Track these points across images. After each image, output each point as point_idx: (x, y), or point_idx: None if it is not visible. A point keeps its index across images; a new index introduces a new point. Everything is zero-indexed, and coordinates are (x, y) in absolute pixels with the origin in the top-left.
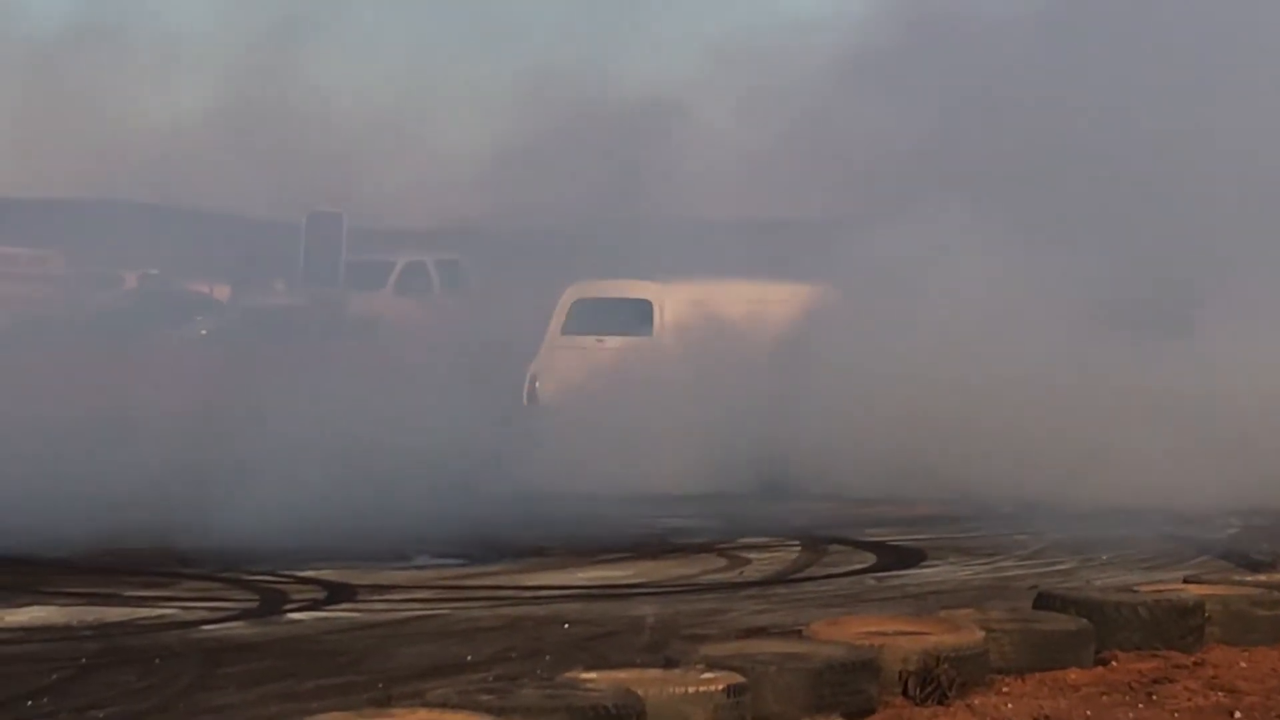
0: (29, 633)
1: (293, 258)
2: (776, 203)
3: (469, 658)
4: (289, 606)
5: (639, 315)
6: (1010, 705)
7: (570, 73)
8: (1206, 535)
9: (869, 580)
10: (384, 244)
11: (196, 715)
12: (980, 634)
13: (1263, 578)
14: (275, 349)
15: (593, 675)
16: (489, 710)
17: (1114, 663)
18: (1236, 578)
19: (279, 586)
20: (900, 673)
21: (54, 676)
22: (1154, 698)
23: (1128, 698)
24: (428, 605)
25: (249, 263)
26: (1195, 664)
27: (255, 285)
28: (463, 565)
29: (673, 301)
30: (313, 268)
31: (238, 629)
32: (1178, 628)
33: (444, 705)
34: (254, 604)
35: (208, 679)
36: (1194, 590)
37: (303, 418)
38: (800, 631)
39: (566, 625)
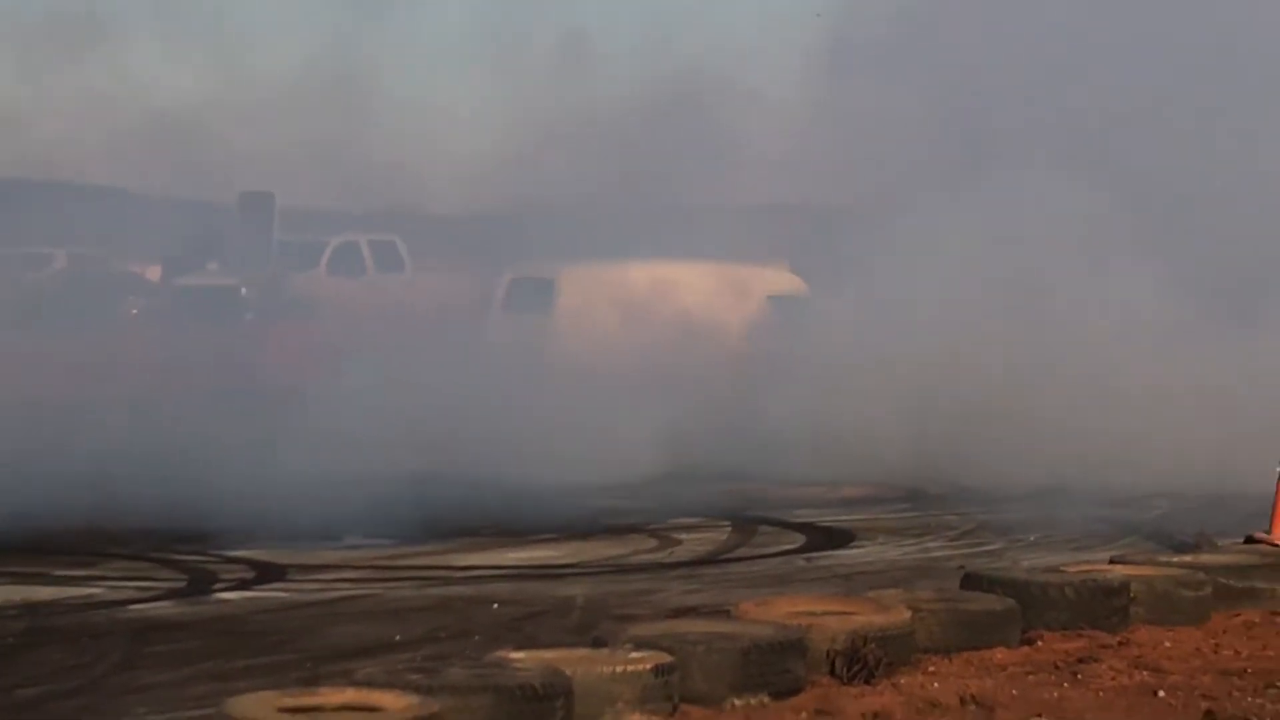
0: None
1: (224, 238)
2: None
3: (398, 637)
4: (218, 586)
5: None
6: (937, 685)
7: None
8: (1134, 516)
9: (798, 561)
10: (317, 224)
11: (124, 694)
12: (907, 614)
13: (1188, 558)
14: (207, 329)
15: (521, 655)
16: (417, 689)
17: (1040, 642)
18: (1162, 559)
19: (208, 566)
20: (828, 652)
21: None
22: (1079, 677)
23: (1053, 677)
24: (357, 585)
25: (181, 243)
26: (1120, 644)
27: (187, 265)
28: (393, 545)
29: (575, 283)
30: (244, 248)
31: (166, 608)
32: (1103, 608)
33: (371, 685)
34: (182, 584)
35: (135, 658)
36: (1119, 571)
37: (238, 399)
38: (729, 611)
39: (496, 605)
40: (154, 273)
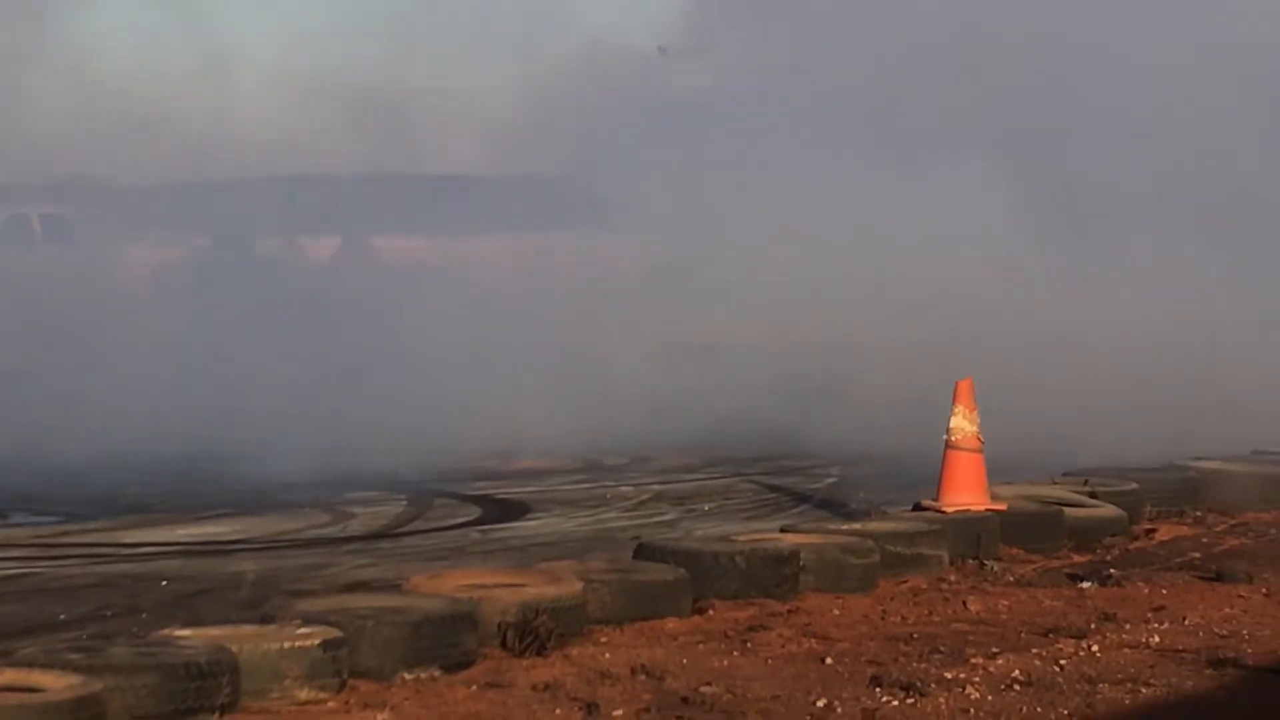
0: None
1: None
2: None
3: (62, 616)
4: None
5: None
6: (608, 655)
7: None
8: (806, 485)
9: (473, 533)
10: None
11: None
12: (579, 585)
13: (857, 526)
14: None
15: (187, 632)
16: (78, 669)
17: (711, 611)
18: (831, 526)
19: None
20: (499, 625)
21: None
22: (749, 645)
23: (724, 645)
24: (21, 564)
25: None
26: (790, 612)
27: None
28: (60, 523)
29: None
30: None
31: None
32: (773, 576)
33: (31, 665)
34: None
35: None
36: (789, 539)
37: None
38: (400, 586)
39: (165, 582)
40: None
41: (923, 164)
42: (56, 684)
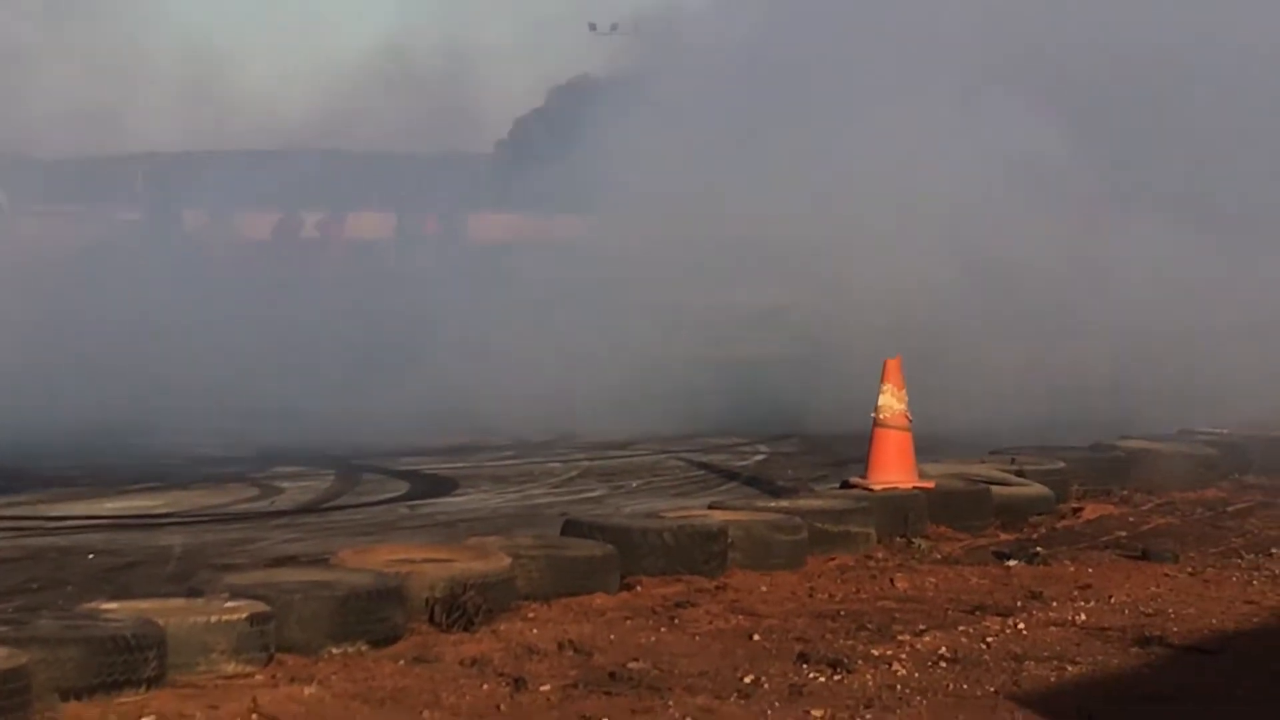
0: None
1: None
2: None
3: None
4: None
5: None
6: (536, 630)
7: None
8: (734, 462)
9: (401, 509)
10: None
11: None
12: (507, 561)
13: (785, 503)
14: None
15: (114, 606)
16: (3, 642)
17: (639, 587)
18: (759, 504)
19: None
20: (427, 600)
21: None
22: (676, 621)
23: (651, 621)
24: None
25: None
26: (718, 588)
27: None
28: None
29: None
30: None
31: None
32: (701, 553)
33: None
34: None
35: None
36: (718, 516)
37: None
38: (328, 560)
39: (91, 556)
40: None
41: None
42: None
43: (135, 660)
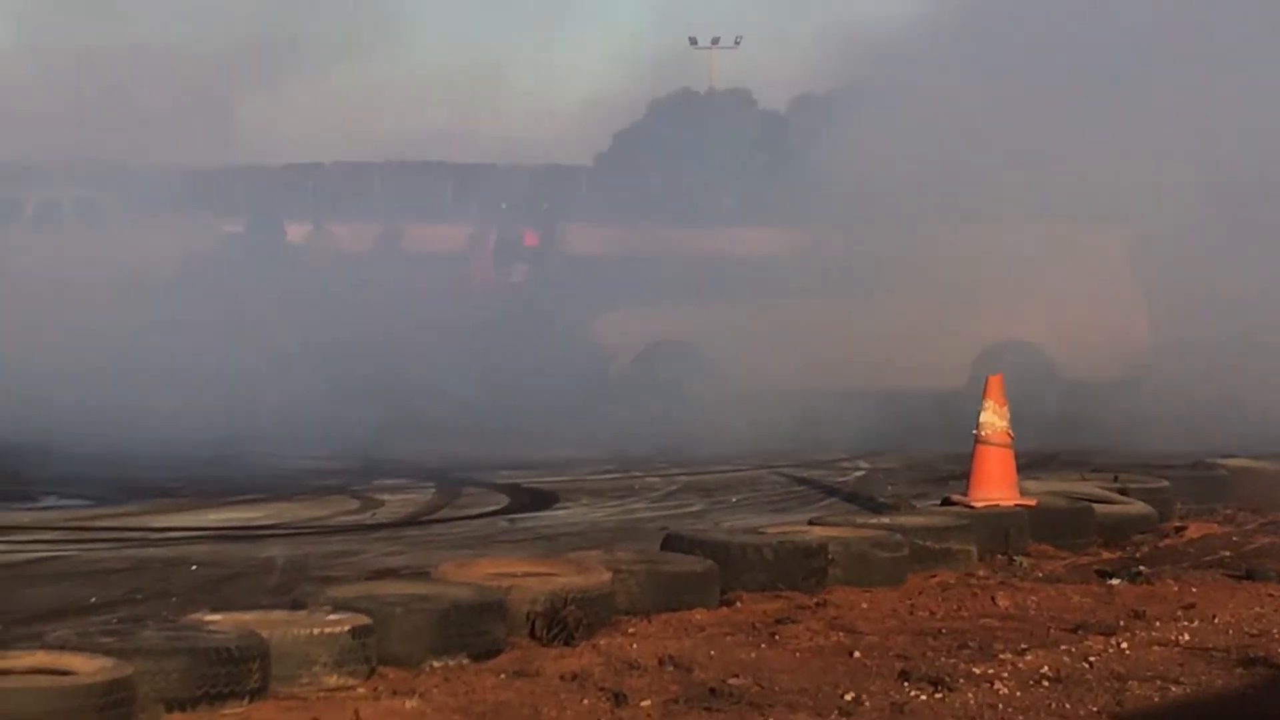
0: None
1: None
2: None
3: (93, 599)
4: None
5: None
6: (636, 646)
7: None
8: (834, 478)
9: (501, 522)
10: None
11: None
12: (607, 575)
13: (885, 520)
14: None
15: (217, 617)
16: (109, 652)
17: (739, 603)
18: (860, 520)
19: None
20: (528, 614)
21: None
22: (776, 638)
23: (751, 638)
24: (53, 547)
25: None
26: (817, 604)
27: None
28: (91, 506)
29: None
30: None
31: None
32: (801, 569)
33: (63, 647)
34: None
35: None
36: (817, 532)
37: None
38: (429, 573)
39: (195, 567)
40: None
41: None
42: (87, 667)
43: (239, 672)
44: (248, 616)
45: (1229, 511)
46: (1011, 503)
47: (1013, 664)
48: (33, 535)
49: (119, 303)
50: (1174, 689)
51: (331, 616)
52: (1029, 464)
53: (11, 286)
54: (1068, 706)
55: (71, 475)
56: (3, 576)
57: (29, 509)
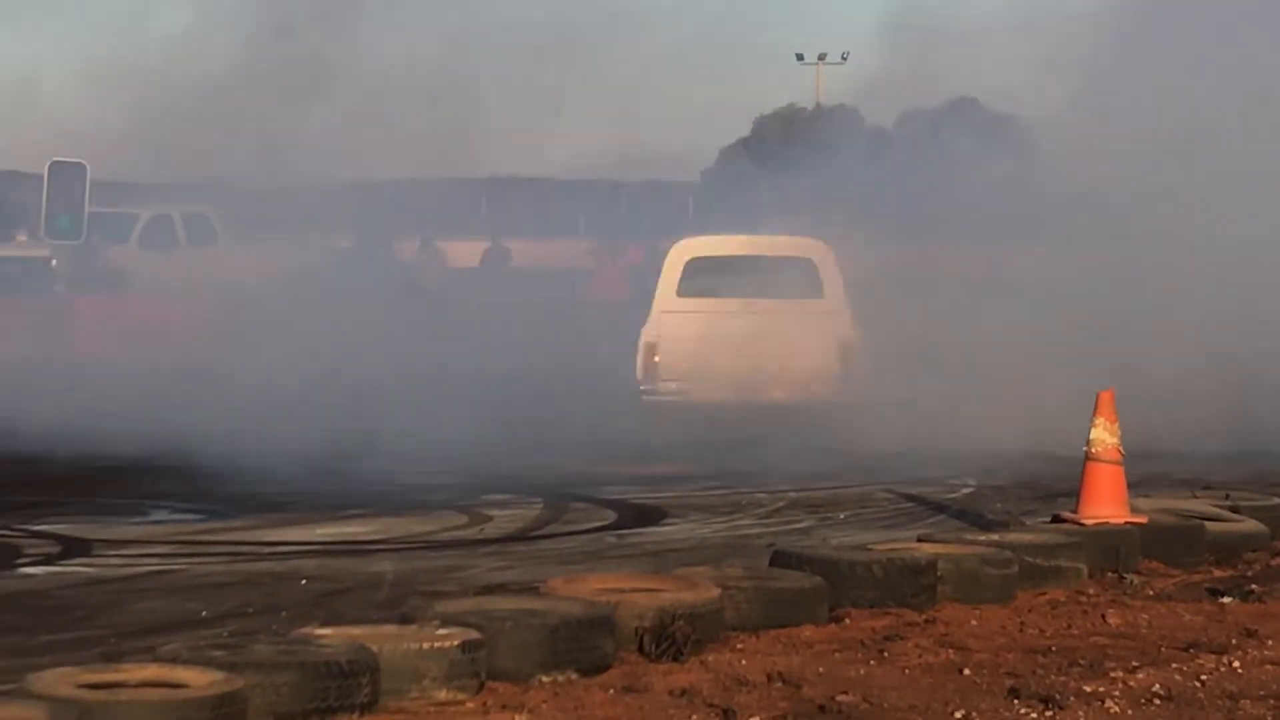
0: None
1: (33, 208)
2: None
3: (204, 613)
4: (21, 561)
5: None
6: (744, 662)
7: None
8: (943, 495)
9: (609, 538)
10: (128, 196)
11: None
12: (716, 591)
13: (995, 537)
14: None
15: (327, 631)
16: (220, 666)
17: (847, 620)
18: (969, 537)
19: (12, 541)
20: (636, 629)
21: None
22: (885, 655)
23: (860, 654)
24: (164, 560)
25: None
26: (927, 621)
27: None
28: (201, 520)
29: None
30: (54, 218)
31: None
32: (910, 586)
33: (175, 660)
34: None
35: None
36: (927, 549)
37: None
38: (537, 588)
39: (304, 581)
40: None
41: None
42: (199, 680)
43: (349, 686)
44: (357, 631)
45: None
46: (1122, 520)
47: (1124, 682)
48: (144, 549)
49: (228, 317)
50: None
51: (441, 631)
52: (1139, 481)
53: (123, 302)
54: None
55: (182, 490)
56: (114, 590)
57: (140, 523)
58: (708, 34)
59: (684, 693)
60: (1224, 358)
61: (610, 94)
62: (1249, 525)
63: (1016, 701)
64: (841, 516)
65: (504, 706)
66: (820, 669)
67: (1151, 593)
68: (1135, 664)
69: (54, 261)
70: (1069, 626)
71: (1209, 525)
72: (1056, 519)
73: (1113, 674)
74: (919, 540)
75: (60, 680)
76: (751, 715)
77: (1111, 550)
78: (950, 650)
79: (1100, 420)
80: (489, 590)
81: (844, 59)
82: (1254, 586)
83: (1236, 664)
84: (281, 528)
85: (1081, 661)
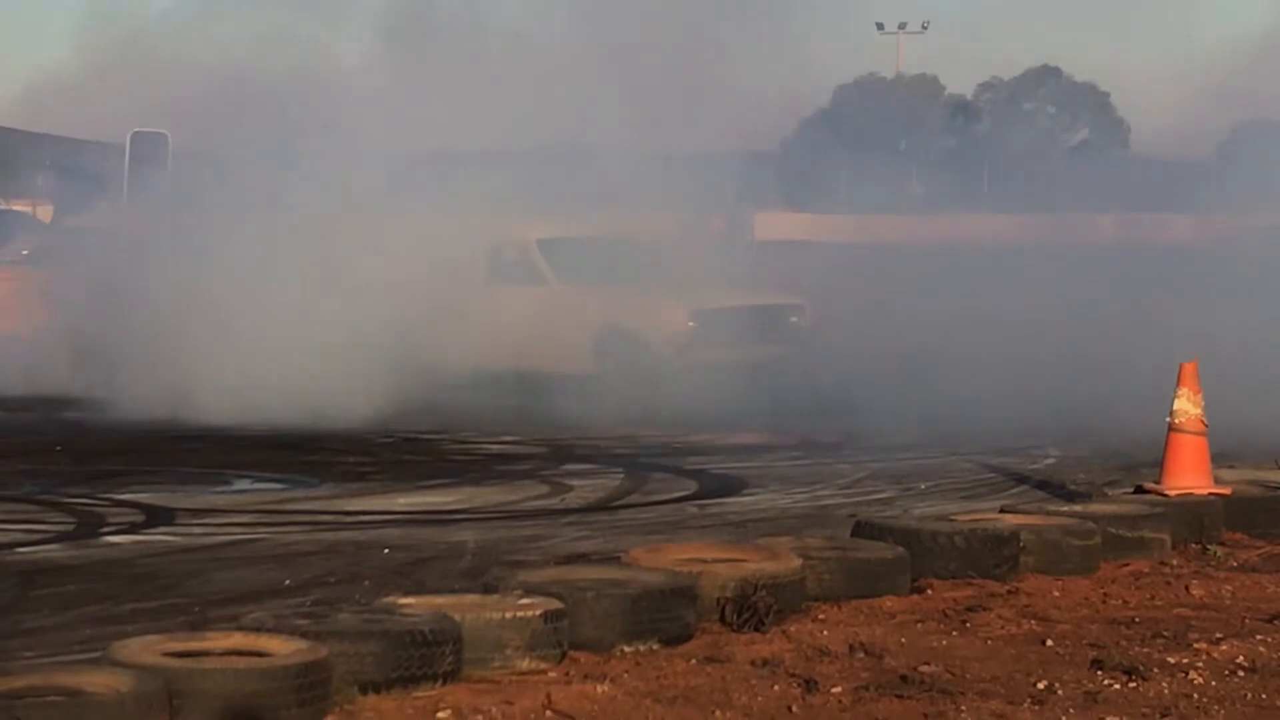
0: None
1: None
2: None
3: (287, 582)
4: (106, 529)
5: None
6: (826, 632)
7: None
8: (1025, 465)
9: (690, 508)
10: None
11: (9, 638)
12: (798, 562)
13: (1078, 508)
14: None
15: (410, 600)
16: (304, 634)
17: (929, 591)
18: (1051, 508)
19: (96, 509)
20: (718, 599)
21: None
22: (968, 625)
23: (942, 625)
24: (246, 529)
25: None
26: (1009, 592)
27: (78, 205)
28: (283, 489)
29: None
30: (136, 188)
31: (54, 552)
32: (993, 557)
33: (259, 629)
34: (70, 527)
35: (22, 601)
36: (1009, 520)
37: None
38: (619, 558)
39: (386, 550)
40: (45, 212)
41: None
42: (283, 649)
43: (432, 655)
44: (440, 600)
45: None
46: (1206, 491)
47: (1207, 653)
48: (227, 518)
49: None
50: None
51: (523, 601)
52: (1222, 452)
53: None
54: (1264, 697)
55: (265, 459)
56: (199, 559)
57: (223, 493)
58: (792, 2)
59: (766, 663)
60: None
61: (691, 64)
62: None
63: (1099, 672)
64: (923, 487)
65: (586, 676)
66: (902, 639)
67: (1235, 564)
68: (1219, 635)
69: None
70: (1152, 598)
71: None
72: (1140, 490)
73: (1196, 645)
74: (1001, 511)
75: (145, 648)
76: (833, 685)
77: (1195, 521)
78: (1033, 621)
79: (1184, 391)
80: (571, 560)
81: (924, 28)
82: None
83: None
84: (363, 497)
85: (1165, 633)
